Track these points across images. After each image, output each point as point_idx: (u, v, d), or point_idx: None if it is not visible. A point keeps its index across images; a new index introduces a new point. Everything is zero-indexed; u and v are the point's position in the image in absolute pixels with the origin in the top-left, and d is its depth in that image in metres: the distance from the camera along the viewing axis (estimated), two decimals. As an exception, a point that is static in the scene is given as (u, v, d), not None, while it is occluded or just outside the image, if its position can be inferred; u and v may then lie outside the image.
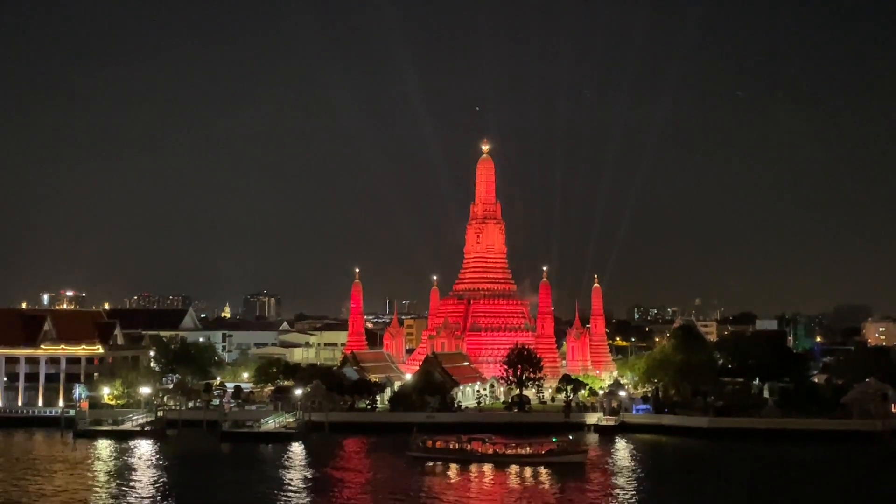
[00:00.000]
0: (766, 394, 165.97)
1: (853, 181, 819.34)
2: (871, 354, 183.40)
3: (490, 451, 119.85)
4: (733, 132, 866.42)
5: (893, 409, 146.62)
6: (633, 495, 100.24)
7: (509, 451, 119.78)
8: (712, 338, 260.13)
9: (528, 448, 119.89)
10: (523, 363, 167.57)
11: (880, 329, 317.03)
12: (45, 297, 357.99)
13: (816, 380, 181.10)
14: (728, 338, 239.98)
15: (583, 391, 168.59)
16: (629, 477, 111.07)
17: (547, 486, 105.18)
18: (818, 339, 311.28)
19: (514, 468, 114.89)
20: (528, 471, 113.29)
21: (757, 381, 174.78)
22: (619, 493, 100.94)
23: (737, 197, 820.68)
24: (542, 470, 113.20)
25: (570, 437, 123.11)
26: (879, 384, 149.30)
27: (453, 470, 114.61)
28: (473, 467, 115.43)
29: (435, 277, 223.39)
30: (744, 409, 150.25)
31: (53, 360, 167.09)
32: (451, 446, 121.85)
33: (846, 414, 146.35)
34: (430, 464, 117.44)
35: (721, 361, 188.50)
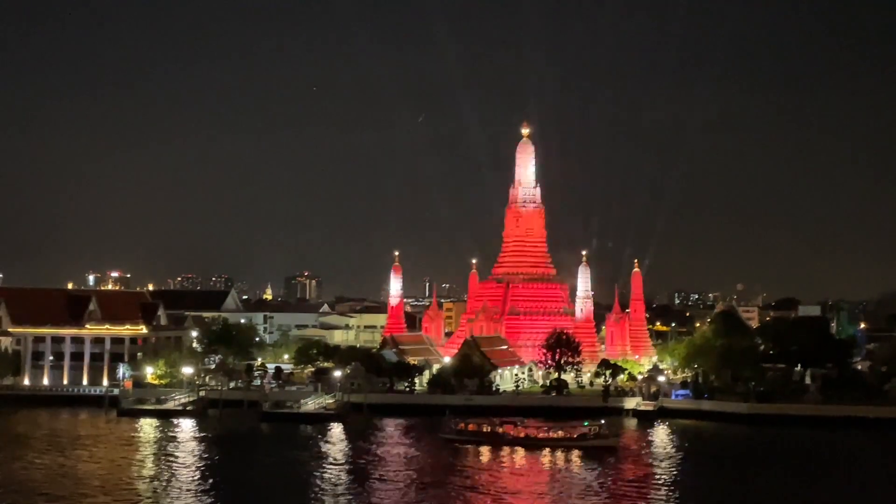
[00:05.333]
0: (807, 380, 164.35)
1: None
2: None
3: (522, 435, 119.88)
4: (777, 115, 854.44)
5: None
6: (665, 480, 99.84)
7: (541, 435, 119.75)
8: (754, 323, 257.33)
9: (560, 432, 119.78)
10: (562, 347, 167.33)
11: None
12: (91, 278, 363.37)
13: (859, 367, 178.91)
14: (770, 323, 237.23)
15: (622, 376, 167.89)
16: (664, 462, 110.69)
17: (578, 470, 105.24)
18: (862, 325, 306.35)
19: (546, 452, 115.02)
20: (559, 454, 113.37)
21: (799, 368, 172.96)
22: (651, 478, 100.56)
23: (781, 182, 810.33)
24: (575, 454, 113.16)
25: (603, 422, 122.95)
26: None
27: (485, 452, 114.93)
28: (505, 450, 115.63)
29: (474, 261, 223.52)
30: (785, 395, 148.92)
31: (98, 340, 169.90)
32: (484, 429, 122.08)
33: (890, 401, 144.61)
34: (463, 446, 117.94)
35: (762, 347, 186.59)
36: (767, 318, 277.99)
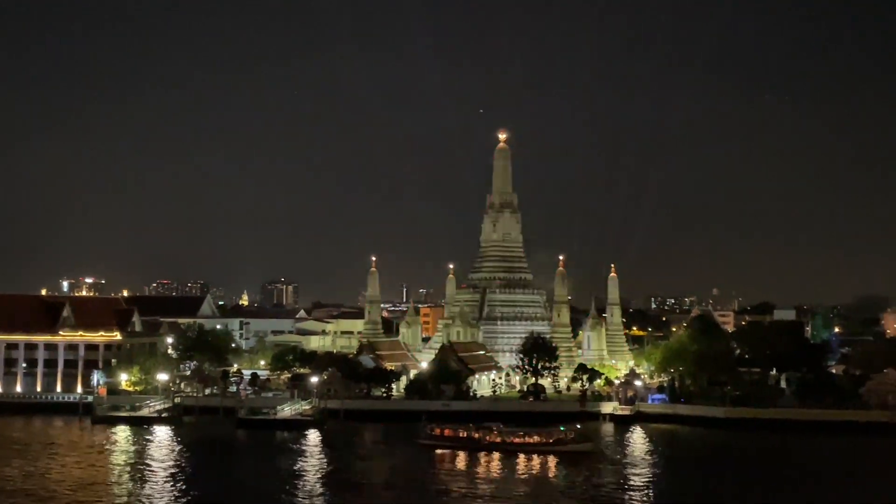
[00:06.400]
0: (783, 384, 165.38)
1: (873, 172, 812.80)
2: (889, 345, 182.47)
3: (498, 440, 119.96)
4: (753, 123, 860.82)
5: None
6: (641, 484, 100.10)
7: (517, 440, 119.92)
8: (730, 328, 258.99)
9: (536, 437, 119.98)
10: (539, 352, 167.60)
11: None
12: (65, 284, 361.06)
13: (834, 370, 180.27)
14: (745, 328, 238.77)
15: (598, 380, 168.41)
16: (640, 466, 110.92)
17: (554, 475, 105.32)
18: (837, 329, 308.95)
19: (522, 457, 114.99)
20: (535, 459, 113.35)
21: (774, 372, 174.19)
22: (627, 482, 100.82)
23: (755, 187, 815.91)
24: (551, 459, 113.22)
25: (579, 426, 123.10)
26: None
27: (461, 458, 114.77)
28: (482, 455, 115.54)
29: (451, 266, 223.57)
30: (761, 399, 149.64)
31: (72, 347, 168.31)
32: (460, 434, 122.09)
33: (863, 405, 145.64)
34: (439, 451, 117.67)
35: (738, 351, 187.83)
36: (743, 323, 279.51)
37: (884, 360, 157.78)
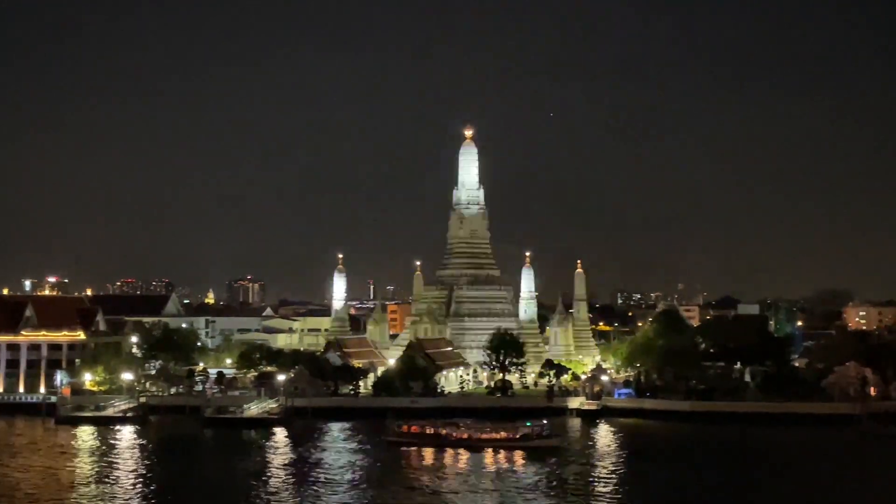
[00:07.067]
0: (747, 378, 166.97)
1: (835, 167, 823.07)
2: (851, 338, 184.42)
3: (465, 436, 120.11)
4: (716, 118, 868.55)
5: (872, 393, 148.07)
6: (607, 478, 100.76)
7: (484, 436, 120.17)
8: (694, 322, 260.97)
9: (502, 432, 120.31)
10: (506, 348, 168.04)
11: (860, 313, 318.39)
12: (28, 284, 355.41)
13: (797, 364, 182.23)
14: (710, 322, 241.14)
15: (565, 376, 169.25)
16: (606, 460, 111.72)
17: (520, 470, 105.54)
18: (799, 323, 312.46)
19: (489, 452, 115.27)
20: (502, 455, 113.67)
21: (738, 366, 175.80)
22: (593, 476, 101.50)
23: (719, 183, 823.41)
24: (518, 454, 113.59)
25: (545, 422, 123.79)
26: (859, 368, 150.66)
27: (428, 454, 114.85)
28: (448, 452, 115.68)
29: (418, 263, 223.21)
30: (725, 392, 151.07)
31: (35, 347, 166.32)
32: (427, 431, 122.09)
33: (826, 397, 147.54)
34: (406, 448, 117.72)
35: (703, 346, 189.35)
36: (708, 317, 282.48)
37: (846, 353, 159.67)
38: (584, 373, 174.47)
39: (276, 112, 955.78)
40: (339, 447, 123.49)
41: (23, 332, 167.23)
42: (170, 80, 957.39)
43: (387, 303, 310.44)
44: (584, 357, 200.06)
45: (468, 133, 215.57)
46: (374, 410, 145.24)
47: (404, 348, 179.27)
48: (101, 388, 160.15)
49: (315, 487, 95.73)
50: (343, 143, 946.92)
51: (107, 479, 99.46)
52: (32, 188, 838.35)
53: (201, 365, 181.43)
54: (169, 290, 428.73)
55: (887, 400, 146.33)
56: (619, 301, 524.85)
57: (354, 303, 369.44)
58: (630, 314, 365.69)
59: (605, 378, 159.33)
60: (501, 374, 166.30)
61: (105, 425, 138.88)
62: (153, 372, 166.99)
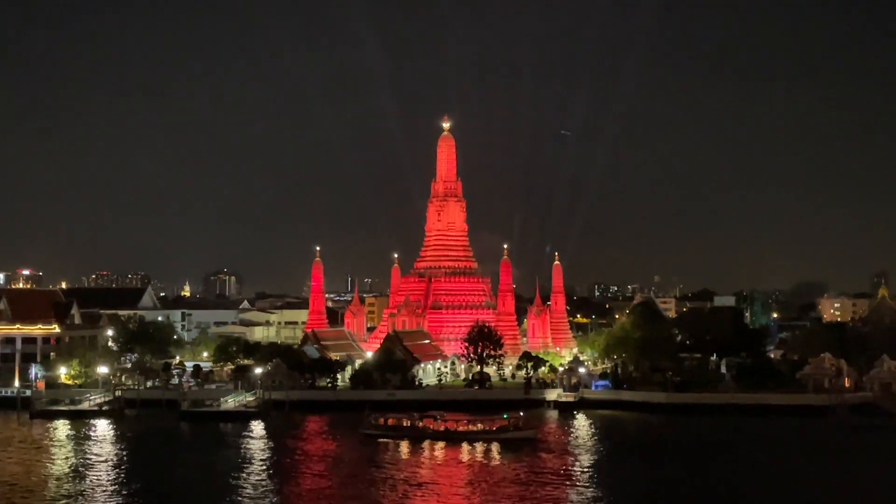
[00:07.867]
0: (723, 369, 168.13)
1: (809, 160, 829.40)
2: (825, 330, 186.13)
3: (442, 428, 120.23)
4: (693, 112, 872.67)
5: (847, 384, 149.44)
6: (584, 469, 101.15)
7: (461, 428, 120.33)
8: (671, 314, 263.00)
9: (479, 424, 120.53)
10: (484, 340, 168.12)
11: (835, 305, 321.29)
12: (1, 277, 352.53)
13: (773, 355, 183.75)
14: (686, 314, 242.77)
15: (543, 368, 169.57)
16: (583, 452, 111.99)
17: (497, 462, 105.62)
18: (775, 315, 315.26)
19: (466, 444, 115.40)
20: (479, 447, 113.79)
21: (714, 357, 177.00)
22: (570, 468, 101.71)
23: (695, 175, 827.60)
24: (494, 446, 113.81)
25: (521, 414, 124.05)
26: (833, 359, 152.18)
27: (405, 447, 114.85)
28: (426, 444, 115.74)
29: (396, 255, 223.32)
30: (701, 384, 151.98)
31: (9, 340, 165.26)
32: (404, 423, 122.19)
33: (801, 389, 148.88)
34: (383, 441, 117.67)
35: (679, 337, 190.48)
36: (684, 309, 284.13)
37: (820, 344, 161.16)
38: (561, 365, 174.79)
39: (254, 105, 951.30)
40: (316, 440, 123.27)
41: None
42: (145, 74, 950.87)
43: (365, 295, 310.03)
44: (561, 349, 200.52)
45: (446, 125, 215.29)
46: (352, 403, 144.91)
47: (382, 341, 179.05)
48: (77, 381, 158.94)
49: (293, 480, 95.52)
50: (321, 134, 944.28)
51: (82, 474, 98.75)
52: (4, 180, 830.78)
53: (178, 358, 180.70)
54: (145, 283, 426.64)
55: (861, 391, 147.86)
56: (597, 293, 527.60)
57: (332, 295, 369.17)
58: (607, 306, 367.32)
59: (582, 370, 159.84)
60: (479, 367, 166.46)
61: (80, 419, 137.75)
62: (129, 365, 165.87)
